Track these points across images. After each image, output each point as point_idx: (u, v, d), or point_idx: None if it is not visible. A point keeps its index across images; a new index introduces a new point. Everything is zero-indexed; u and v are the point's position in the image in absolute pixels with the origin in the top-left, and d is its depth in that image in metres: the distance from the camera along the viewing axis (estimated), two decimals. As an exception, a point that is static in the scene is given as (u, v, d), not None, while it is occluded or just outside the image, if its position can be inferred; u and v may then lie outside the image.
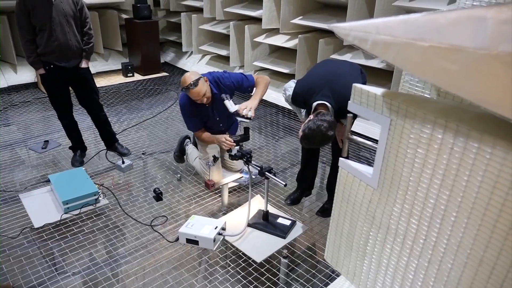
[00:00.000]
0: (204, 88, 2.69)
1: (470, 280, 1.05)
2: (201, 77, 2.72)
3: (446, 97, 1.42)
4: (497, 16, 0.75)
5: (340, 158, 1.47)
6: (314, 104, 2.29)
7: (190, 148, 3.33)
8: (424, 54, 0.88)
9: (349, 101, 1.34)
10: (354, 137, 1.49)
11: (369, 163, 3.39)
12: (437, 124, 1.05)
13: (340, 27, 1.11)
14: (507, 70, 0.73)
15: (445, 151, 1.04)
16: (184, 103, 2.87)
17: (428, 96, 1.51)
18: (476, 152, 0.96)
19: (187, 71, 6.14)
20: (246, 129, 2.76)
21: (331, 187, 2.80)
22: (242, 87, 2.89)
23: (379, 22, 1.00)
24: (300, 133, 2.19)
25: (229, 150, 2.59)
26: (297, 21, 4.45)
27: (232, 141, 2.73)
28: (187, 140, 3.40)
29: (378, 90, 1.23)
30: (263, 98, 5.07)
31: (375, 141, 1.30)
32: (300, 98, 2.44)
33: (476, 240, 1.01)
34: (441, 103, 1.23)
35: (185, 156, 3.38)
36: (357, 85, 1.29)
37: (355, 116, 2.37)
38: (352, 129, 2.59)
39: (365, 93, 1.26)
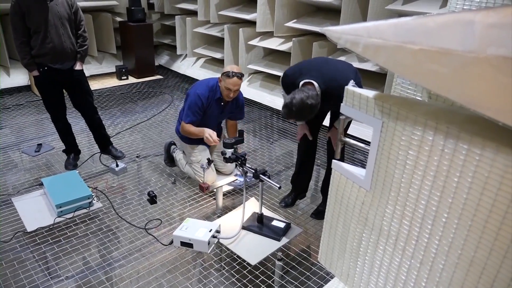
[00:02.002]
0: (240, 85, 2.88)
1: (461, 280, 1.06)
2: None
3: (437, 100, 1.43)
4: (485, 20, 0.77)
5: (333, 160, 1.48)
6: (301, 82, 2.28)
7: (178, 155, 3.33)
8: (414, 57, 0.89)
9: (341, 104, 1.35)
10: (347, 139, 1.50)
11: (364, 165, 3.41)
12: (427, 126, 1.06)
13: (332, 30, 1.12)
14: (495, 72, 0.74)
15: (436, 153, 1.05)
16: (203, 95, 2.92)
17: (419, 98, 1.52)
18: (466, 154, 0.97)
19: (181, 74, 6.08)
20: (241, 132, 2.77)
21: (325, 189, 2.81)
22: (237, 113, 3.15)
23: (370, 25, 1.01)
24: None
25: (223, 153, 2.59)
26: (291, 24, 4.47)
27: (216, 139, 2.82)
28: (173, 146, 3.41)
29: (370, 93, 1.24)
30: (258, 101, 5.10)
31: (368, 143, 1.31)
32: (288, 80, 2.46)
33: (467, 240, 1.02)
34: (432, 105, 1.24)
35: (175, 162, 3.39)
36: (349, 88, 1.30)
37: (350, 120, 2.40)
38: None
39: (357, 95, 1.27)
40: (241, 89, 3.00)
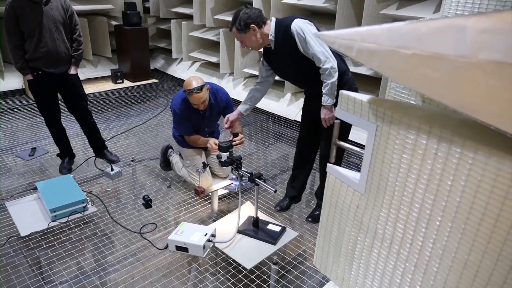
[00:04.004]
0: (206, 95, 2.81)
1: (455, 283, 1.07)
2: (205, 84, 2.80)
3: (431, 104, 1.45)
4: (477, 25, 0.78)
5: (328, 164, 1.48)
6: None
7: (175, 158, 3.33)
8: (408, 61, 0.90)
9: (336, 108, 1.36)
10: (342, 142, 1.51)
11: (359, 169, 3.42)
12: (421, 130, 1.07)
13: (326, 35, 1.13)
14: (486, 77, 0.75)
15: (429, 157, 1.06)
16: (179, 108, 2.91)
17: (413, 102, 1.54)
18: (459, 157, 0.98)
19: (177, 78, 6.09)
20: (235, 135, 2.78)
21: (319, 193, 2.81)
22: (226, 114, 3.00)
23: (364, 30, 1.02)
24: None
25: (219, 157, 2.59)
26: (287, 28, 4.49)
27: (216, 147, 2.77)
28: (170, 150, 3.41)
29: (364, 97, 1.25)
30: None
31: (363, 146, 1.32)
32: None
33: (461, 243, 1.03)
34: (426, 109, 1.25)
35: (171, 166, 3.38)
36: (344, 92, 1.31)
37: (349, 126, 2.41)
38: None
39: (351, 99, 1.28)
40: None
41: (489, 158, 0.92)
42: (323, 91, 2.34)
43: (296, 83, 2.63)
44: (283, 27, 2.32)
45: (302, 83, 2.60)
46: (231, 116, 2.74)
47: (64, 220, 2.72)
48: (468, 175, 0.97)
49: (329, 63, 2.25)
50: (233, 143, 2.68)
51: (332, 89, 2.31)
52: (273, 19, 2.38)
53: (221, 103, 3.00)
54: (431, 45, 0.86)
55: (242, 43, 2.44)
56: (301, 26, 2.26)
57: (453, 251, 1.05)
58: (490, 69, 0.74)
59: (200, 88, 2.73)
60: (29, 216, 2.76)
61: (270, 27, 2.36)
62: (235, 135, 2.80)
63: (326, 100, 2.34)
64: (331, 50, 2.35)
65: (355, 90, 2.47)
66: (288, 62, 2.43)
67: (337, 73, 2.28)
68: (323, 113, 2.40)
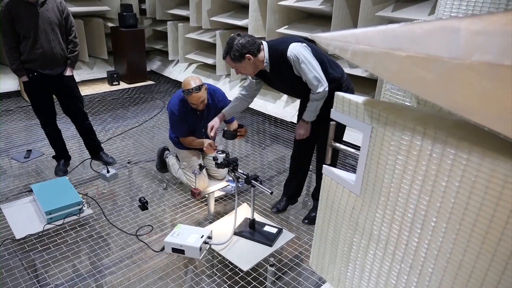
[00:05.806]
0: (204, 95, 2.83)
1: (450, 283, 1.07)
2: (204, 84, 2.82)
3: (426, 105, 1.45)
4: (470, 27, 0.78)
5: (324, 165, 1.48)
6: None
7: (171, 160, 3.33)
8: (402, 63, 0.91)
9: (331, 109, 1.36)
10: (337, 144, 1.51)
11: (354, 170, 3.42)
12: (416, 131, 1.07)
13: (321, 37, 1.13)
14: (480, 79, 0.76)
15: (424, 158, 1.06)
16: (176, 109, 2.93)
17: (408, 104, 1.54)
18: (453, 159, 0.99)
19: (173, 80, 6.08)
20: (240, 126, 2.83)
21: (316, 194, 2.82)
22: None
23: (358, 32, 1.03)
24: None
25: (215, 158, 2.59)
26: (283, 30, 4.50)
27: (214, 148, 2.80)
28: (167, 152, 3.41)
29: (359, 98, 1.26)
30: (250, 106, 5.11)
31: (358, 148, 1.32)
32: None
33: (455, 244, 1.03)
34: (421, 111, 1.26)
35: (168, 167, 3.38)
36: (339, 94, 1.31)
37: (343, 126, 2.43)
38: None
39: (347, 101, 1.28)
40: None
41: (483, 159, 0.92)
42: (308, 108, 2.40)
43: (295, 96, 2.65)
44: (279, 53, 2.33)
45: (302, 96, 2.63)
46: (215, 123, 2.67)
47: (60, 222, 2.71)
48: (462, 176, 0.98)
49: (321, 87, 2.30)
50: (238, 133, 2.72)
51: (317, 108, 2.38)
52: (265, 44, 2.39)
53: (218, 103, 3.01)
54: (425, 47, 0.86)
55: (237, 71, 2.44)
56: (296, 54, 2.28)
57: (448, 252, 1.06)
58: (484, 71, 0.74)
59: (199, 87, 2.76)
60: (24, 218, 2.75)
61: (264, 53, 2.37)
62: (240, 125, 2.85)
63: (308, 116, 2.41)
64: (324, 57, 2.40)
65: (352, 90, 2.49)
66: (286, 81, 2.48)
67: (326, 95, 2.33)
68: (302, 128, 2.47)
